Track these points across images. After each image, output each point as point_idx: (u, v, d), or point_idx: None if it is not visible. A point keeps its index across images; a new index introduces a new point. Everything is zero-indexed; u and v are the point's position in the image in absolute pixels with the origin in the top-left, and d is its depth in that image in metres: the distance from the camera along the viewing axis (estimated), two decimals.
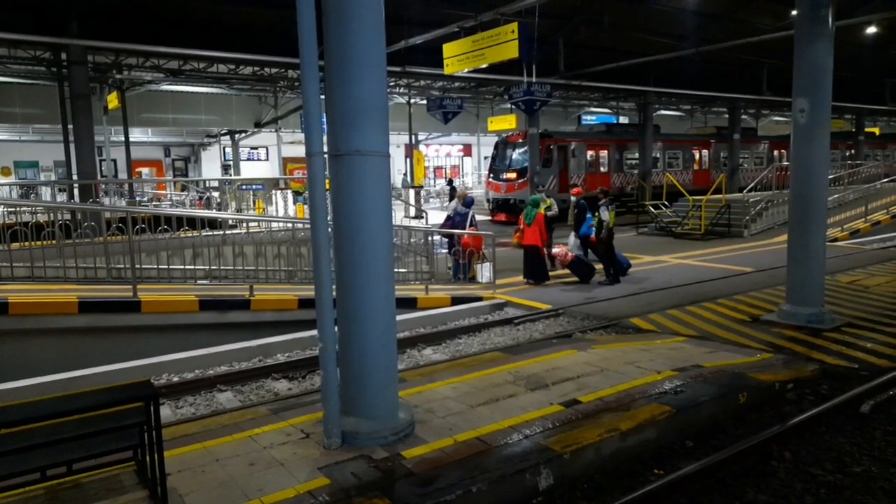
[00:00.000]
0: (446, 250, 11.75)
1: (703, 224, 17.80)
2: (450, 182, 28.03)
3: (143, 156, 32.15)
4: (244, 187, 19.73)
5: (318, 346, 4.18)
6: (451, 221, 11.77)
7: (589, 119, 34.89)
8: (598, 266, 11.35)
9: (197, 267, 9.05)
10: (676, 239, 17.63)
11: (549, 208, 12.60)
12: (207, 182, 24.71)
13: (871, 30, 20.07)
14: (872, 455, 4.47)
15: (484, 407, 4.89)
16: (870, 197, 19.12)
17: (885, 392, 5.43)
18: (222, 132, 31.53)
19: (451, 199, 15.62)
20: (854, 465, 4.34)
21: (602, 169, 25.08)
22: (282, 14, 15.02)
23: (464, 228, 11.31)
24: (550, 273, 11.30)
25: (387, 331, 4.38)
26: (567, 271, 11.35)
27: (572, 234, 11.93)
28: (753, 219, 17.96)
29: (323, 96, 4.15)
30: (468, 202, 12.17)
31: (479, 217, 14.33)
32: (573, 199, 12.38)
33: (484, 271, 11.03)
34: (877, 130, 40.64)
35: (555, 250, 11.37)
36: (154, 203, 22.47)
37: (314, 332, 4.27)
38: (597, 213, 11.10)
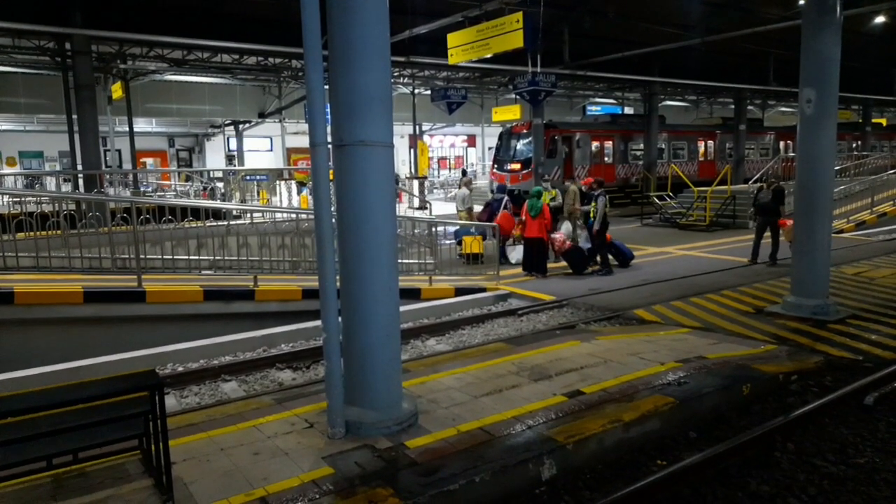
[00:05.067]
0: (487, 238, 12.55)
1: (708, 215, 17.75)
2: (463, 172, 28.85)
3: (148, 146, 32.12)
4: (248, 178, 19.73)
5: (322, 337, 4.20)
6: (490, 208, 12.67)
7: (594, 109, 34.74)
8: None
9: (201, 257, 9.08)
10: (681, 230, 17.58)
11: (553, 199, 12.60)
12: (212, 172, 24.72)
13: (879, 19, 19.89)
14: (876, 446, 4.47)
15: (487, 397, 4.90)
16: (876, 188, 19.01)
17: (889, 384, 5.42)
18: (226, 122, 31.49)
19: (459, 188, 15.91)
20: (857, 456, 4.33)
21: (607, 159, 24.96)
22: (285, 3, 15.00)
23: (499, 213, 12.24)
24: (548, 264, 11.32)
25: (390, 321, 4.38)
26: (564, 263, 11.36)
27: (566, 223, 12.06)
28: None
29: (327, 86, 4.14)
30: (500, 188, 12.85)
31: (480, 208, 14.46)
32: (582, 189, 12.53)
33: (514, 253, 11.82)
34: (884, 121, 40.38)
35: (554, 235, 11.37)
36: (158, 193, 22.51)
37: (318, 323, 4.28)
38: (594, 203, 11.11)
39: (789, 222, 11.19)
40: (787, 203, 12.56)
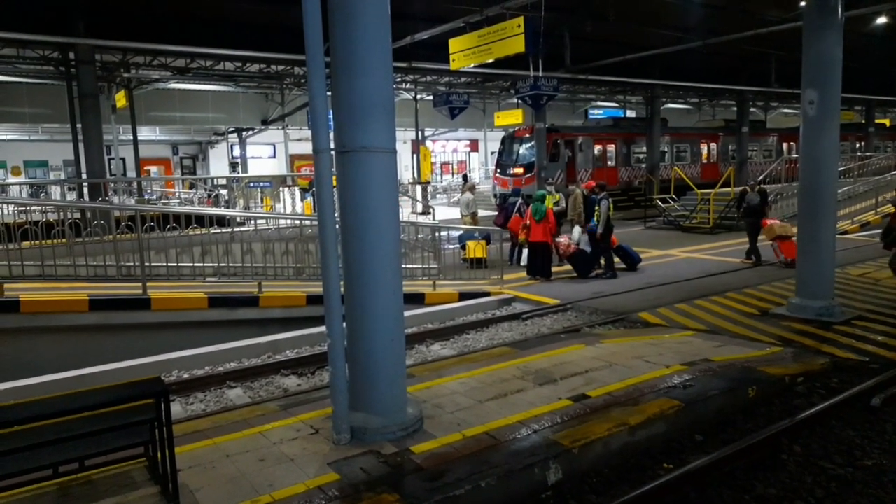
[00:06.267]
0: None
1: (712, 217, 17.71)
2: (464, 177, 29.25)
3: (152, 154, 32.24)
4: (252, 185, 19.77)
5: (327, 343, 4.20)
6: (505, 211, 12.91)
7: (596, 113, 34.75)
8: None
9: (206, 264, 9.09)
10: (685, 233, 17.55)
11: (556, 203, 12.62)
12: (216, 180, 24.79)
13: (881, 20, 19.86)
14: (883, 448, 4.45)
15: (492, 402, 4.89)
16: (880, 189, 18.96)
17: (895, 385, 5.39)
18: (230, 130, 31.60)
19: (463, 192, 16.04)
20: (864, 458, 4.32)
21: (609, 163, 24.96)
22: (287, 11, 15.04)
23: (512, 215, 12.54)
24: (553, 268, 11.32)
25: (395, 326, 4.38)
26: (568, 267, 11.37)
27: (577, 227, 12.03)
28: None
29: (329, 93, 4.15)
30: (515, 191, 14.00)
31: (483, 213, 14.52)
32: (584, 192, 12.53)
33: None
34: (887, 122, 40.28)
35: (559, 239, 11.41)
36: (163, 201, 22.56)
37: (322, 329, 4.29)
38: (597, 207, 11.11)
39: (769, 222, 12.00)
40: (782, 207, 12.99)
